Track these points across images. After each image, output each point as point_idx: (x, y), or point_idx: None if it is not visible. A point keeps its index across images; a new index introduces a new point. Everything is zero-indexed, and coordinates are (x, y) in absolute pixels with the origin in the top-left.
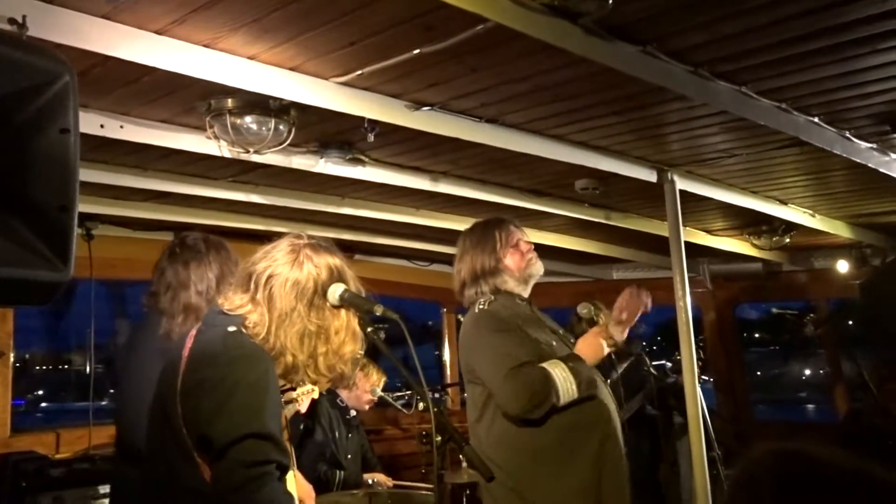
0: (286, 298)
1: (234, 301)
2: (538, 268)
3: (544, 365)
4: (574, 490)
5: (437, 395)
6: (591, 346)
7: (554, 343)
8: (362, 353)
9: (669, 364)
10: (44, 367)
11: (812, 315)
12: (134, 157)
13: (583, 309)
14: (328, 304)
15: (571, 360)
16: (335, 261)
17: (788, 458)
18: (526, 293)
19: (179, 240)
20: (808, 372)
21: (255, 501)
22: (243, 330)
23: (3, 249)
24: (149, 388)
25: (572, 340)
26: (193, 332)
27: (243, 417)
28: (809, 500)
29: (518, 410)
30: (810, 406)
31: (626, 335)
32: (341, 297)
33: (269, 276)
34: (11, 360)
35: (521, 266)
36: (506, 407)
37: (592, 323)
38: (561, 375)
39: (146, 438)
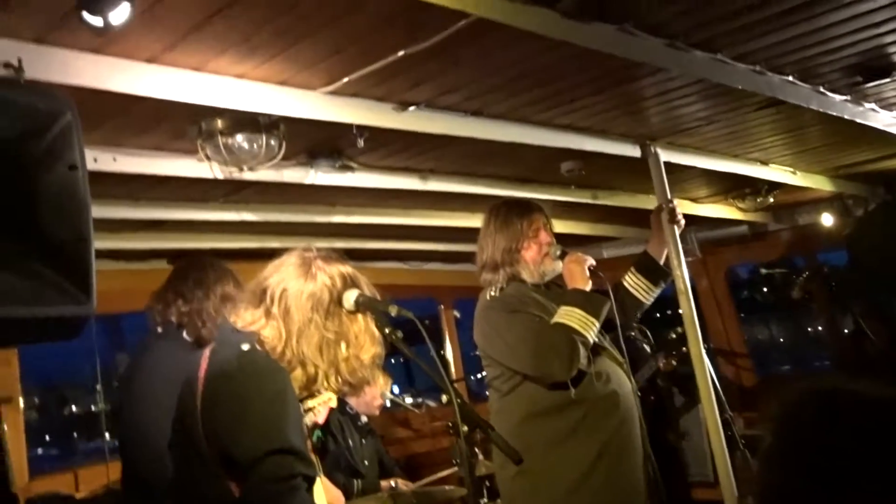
0: (302, 310)
1: (245, 318)
2: (552, 268)
3: (555, 320)
4: (580, 468)
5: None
6: (572, 273)
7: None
8: (383, 355)
9: (674, 335)
10: None
11: (802, 276)
12: (124, 188)
13: (556, 250)
14: (344, 310)
15: (567, 298)
16: (346, 268)
17: (828, 394)
18: (541, 282)
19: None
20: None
21: None
22: (257, 346)
23: (25, 289)
24: (157, 413)
25: None
26: (207, 352)
27: (266, 434)
28: (855, 434)
29: (564, 374)
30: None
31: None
32: (356, 302)
33: (284, 290)
34: (21, 405)
35: (536, 261)
36: (550, 377)
37: (564, 255)
38: (574, 317)
39: (172, 464)
